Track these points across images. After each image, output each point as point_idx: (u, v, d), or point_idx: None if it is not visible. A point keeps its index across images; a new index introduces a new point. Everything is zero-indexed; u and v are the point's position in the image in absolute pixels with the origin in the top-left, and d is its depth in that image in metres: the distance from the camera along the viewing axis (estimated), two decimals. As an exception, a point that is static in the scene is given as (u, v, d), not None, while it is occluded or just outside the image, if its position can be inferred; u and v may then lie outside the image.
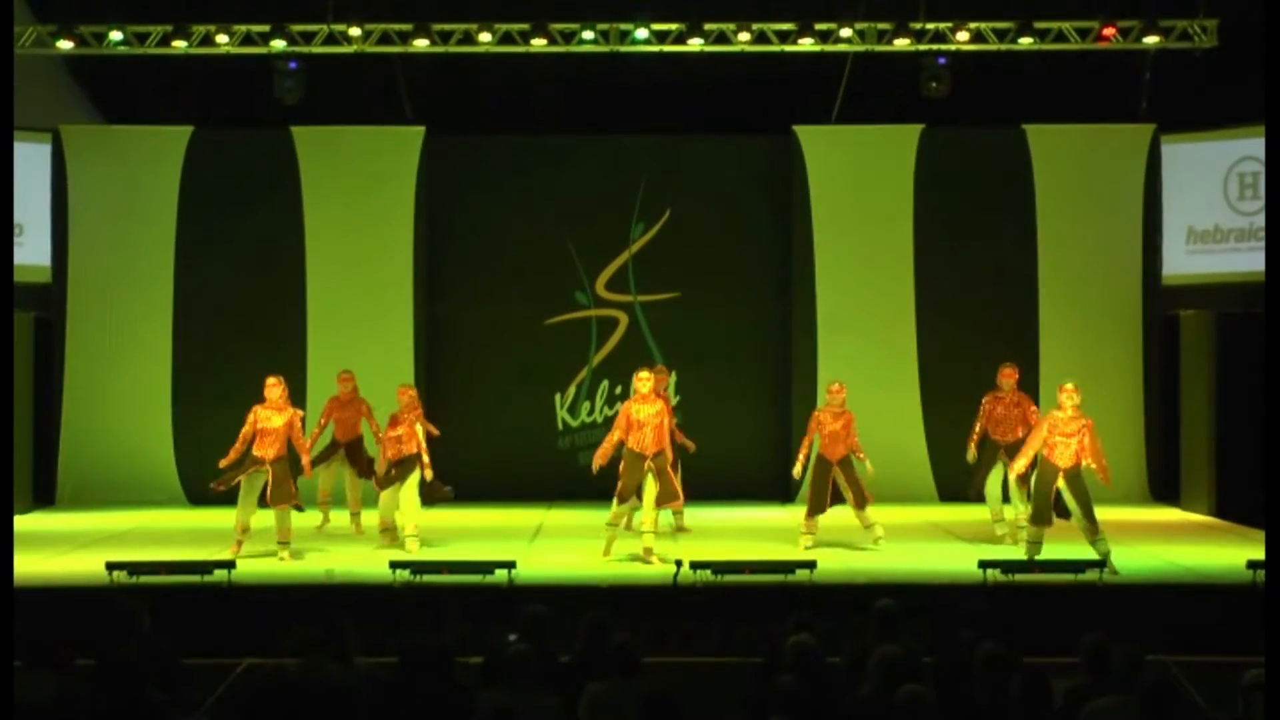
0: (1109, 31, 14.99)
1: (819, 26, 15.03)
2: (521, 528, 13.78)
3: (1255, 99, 12.21)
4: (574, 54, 15.23)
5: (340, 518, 13.65)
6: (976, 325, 15.86)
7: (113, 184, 15.96)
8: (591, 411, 16.16)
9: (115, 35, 14.90)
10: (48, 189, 15.82)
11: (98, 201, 15.92)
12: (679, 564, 10.45)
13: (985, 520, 13.04)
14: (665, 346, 16.23)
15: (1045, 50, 15.22)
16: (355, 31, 14.98)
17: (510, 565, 10.52)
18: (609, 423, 12.42)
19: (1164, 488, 15.80)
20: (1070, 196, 16.10)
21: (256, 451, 11.86)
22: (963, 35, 14.97)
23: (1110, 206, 16.15)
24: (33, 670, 6.47)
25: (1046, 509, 11.32)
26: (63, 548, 12.56)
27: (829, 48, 15.23)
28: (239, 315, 15.88)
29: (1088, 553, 11.19)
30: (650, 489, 11.64)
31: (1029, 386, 13.15)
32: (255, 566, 11.27)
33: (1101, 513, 13.65)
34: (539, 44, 15.03)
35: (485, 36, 14.98)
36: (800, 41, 15.10)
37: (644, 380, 11.85)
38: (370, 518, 13.16)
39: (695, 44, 15.07)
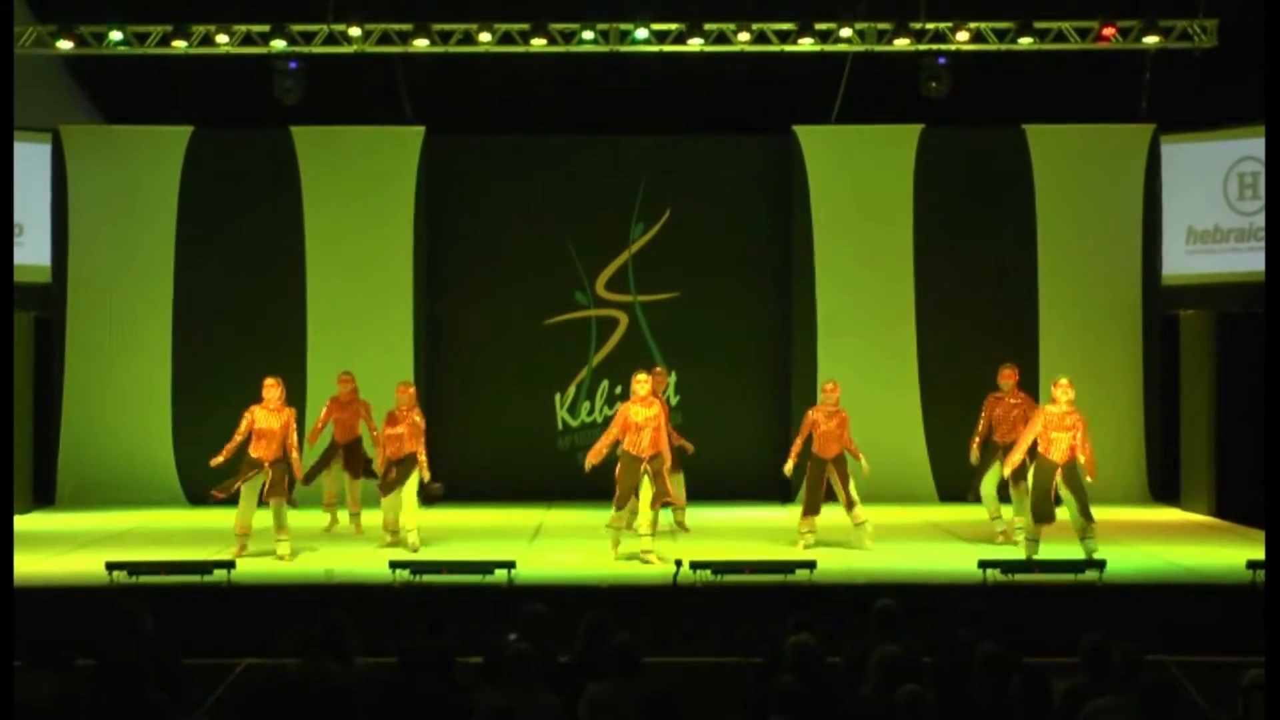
0: (1109, 31, 14.99)
1: (819, 26, 15.03)
2: (521, 528, 13.78)
3: (1255, 99, 12.21)
4: (574, 54, 15.23)
5: (341, 517, 13.66)
6: (976, 325, 15.86)
7: (113, 184, 15.96)
8: (591, 411, 16.16)
9: (115, 35, 14.90)
10: (48, 189, 15.82)
11: (98, 201, 15.92)
12: (679, 564, 10.45)
13: (985, 520, 13.05)
14: (665, 346, 16.24)
15: (1045, 50, 15.22)
16: (355, 31, 14.98)
17: (510, 565, 10.52)
18: (609, 423, 12.43)
19: (1164, 488, 15.80)
20: (1070, 196, 16.10)
21: (254, 453, 11.89)
22: (963, 35, 14.97)
23: (1110, 206, 16.15)
24: (33, 670, 6.47)
25: (1047, 505, 11.36)
26: (63, 548, 12.56)
27: (829, 48, 15.23)
28: (239, 315, 15.88)
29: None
30: (646, 490, 11.66)
31: (1029, 386, 13.16)
32: (255, 566, 11.28)
33: (1101, 513, 13.71)
34: (539, 44, 15.03)
35: (485, 36, 14.98)
36: (800, 41, 15.10)
37: (642, 383, 11.87)
38: (370, 518, 13.18)
39: (695, 44, 15.07)
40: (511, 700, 6.07)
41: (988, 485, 12.78)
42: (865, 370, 15.73)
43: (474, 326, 16.29)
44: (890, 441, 15.48)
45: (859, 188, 16.14)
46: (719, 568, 10.49)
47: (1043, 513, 11.37)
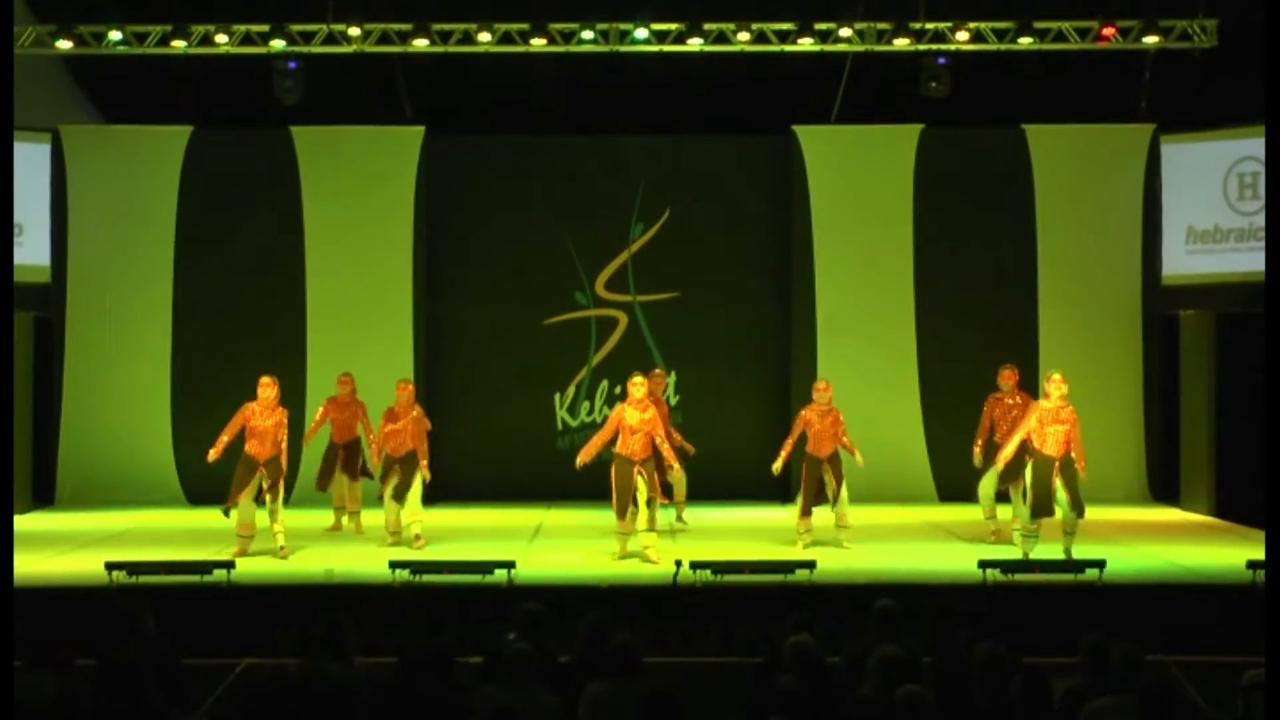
0: (1109, 31, 14.99)
1: (819, 26, 15.02)
2: (521, 528, 13.79)
3: (1255, 99, 12.21)
4: (574, 54, 15.23)
5: (344, 520, 13.69)
6: (976, 325, 15.86)
7: (112, 184, 15.96)
8: (591, 411, 16.16)
9: (115, 35, 14.90)
10: (47, 189, 15.81)
11: (97, 201, 15.92)
12: (679, 564, 10.45)
13: (982, 520, 13.05)
14: (665, 346, 16.24)
15: (1045, 50, 15.21)
16: (355, 31, 14.98)
17: (510, 565, 10.53)
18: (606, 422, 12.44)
19: (1164, 488, 15.80)
20: (1070, 196, 16.10)
21: (249, 450, 11.96)
22: (962, 35, 14.96)
23: (1110, 206, 16.16)
24: (33, 670, 6.47)
25: (1047, 501, 11.41)
26: (62, 548, 12.56)
27: (829, 48, 15.23)
28: (239, 315, 15.88)
29: (1087, 552, 11.22)
30: (642, 490, 11.73)
31: (1029, 386, 13.15)
32: (255, 566, 11.28)
33: (1101, 513, 13.77)
34: (539, 44, 15.02)
35: (485, 36, 14.97)
36: (800, 41, 15.10)
37: (637, 386, 11.92)
38: (371, 518, 13.19)
39: (695, 44, 15.07)
40: (511, 697, 6.07)
41: (985, 485, 12.80)
42: (865, 370, 15.75)
43: (474, 326, 16.29)
44: (890, 441, 15.50)
45: (859, 188, 16.14)
46: (719, 568, 10.49)
47: (1042, 508, 11.40)
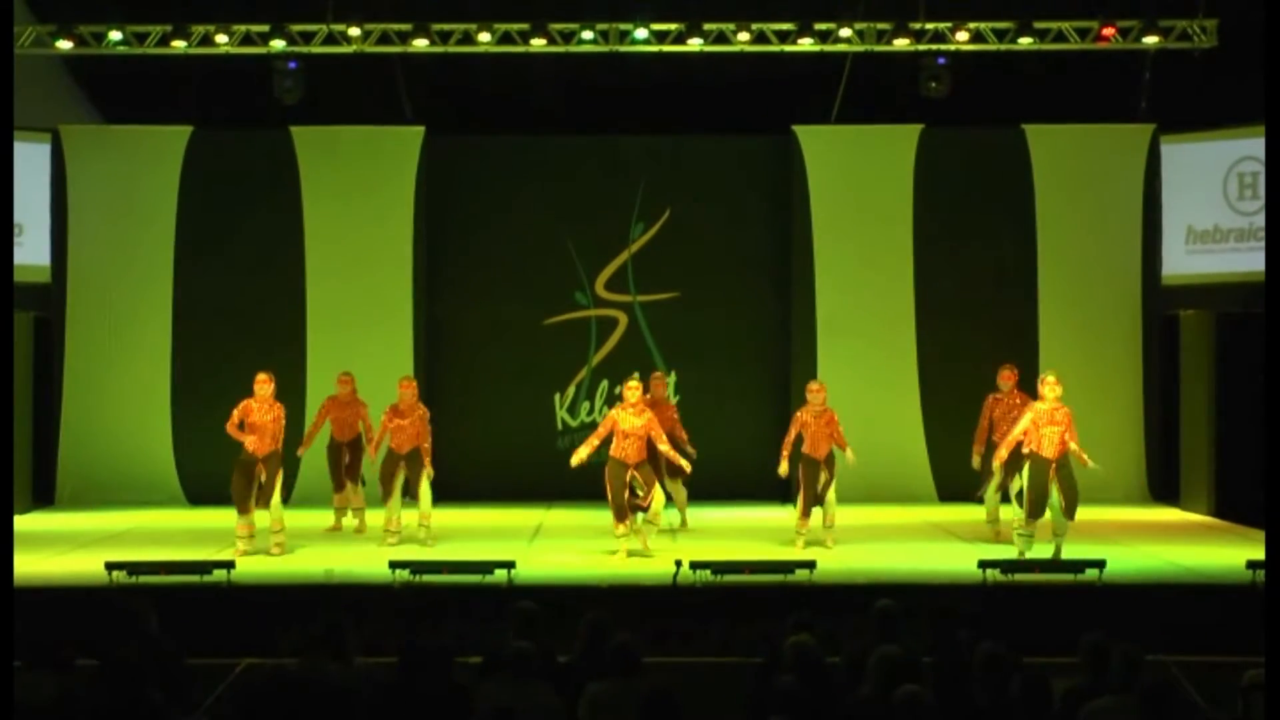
0: (1108, 31, 14.99)
1: (819, 26, 15.02)
2: (521, 528, 13.79)
3: (1255, 99, 12.21)
4: (573, 54, 15.22)
5: (345, 523, 13.69)
6: (976, 325, 15.86)
7: (112, 184, 15.96)
8: (591, 411, 16.16)
9: (114, 35, 14.90)
10: (47, 189, 15.81)
11: (97, 201, 15.92)
12: (679, 564, 10.45)
13: (983, 520, 13.06)
14: (665, 346, 16.24)
15: (1045, 50, 15.21)
16: (355, 31, 14.97)
17: (510, 565, 10.52)
18: (606, 423, 12.47)
19: (1164, 488, 15.80)
20: (1070, 196, 16.09)
21: (248, 446, 11.97)
22: (962, 35, 14.96)
23: (1110, 206, 16.15)
24: (33, 670, 6.47)
25: (1042, 502, 11.45)
26: (62, 548, 12.56)
27: (829, 48, 15.23)
28: (239, 315, 15.87)
29: (1086, 553, 11.22)
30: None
31: (1029, 386, 13.15)
32: (255, 566, 11.28)
33: (1101, 513, 13.80)
34: (538, 44, 15.02)
35: (485, 36, 14.97)
36: (800, 41, 15.09)
37: (633, 389, 11.97)
38: (371, 517, 13.20)
39: (695, 44, 15.06)
40: (511, 695, 6.08)
41: (990, 500, 12.84)
42: (865, 370, 15.76)
43: (474, 326, 16.29)
44: (890, 441, 15.51)
45: (859, 188, 16.14)
46: (719, 568, 10.49)
47: (1038, 508, 11.44)
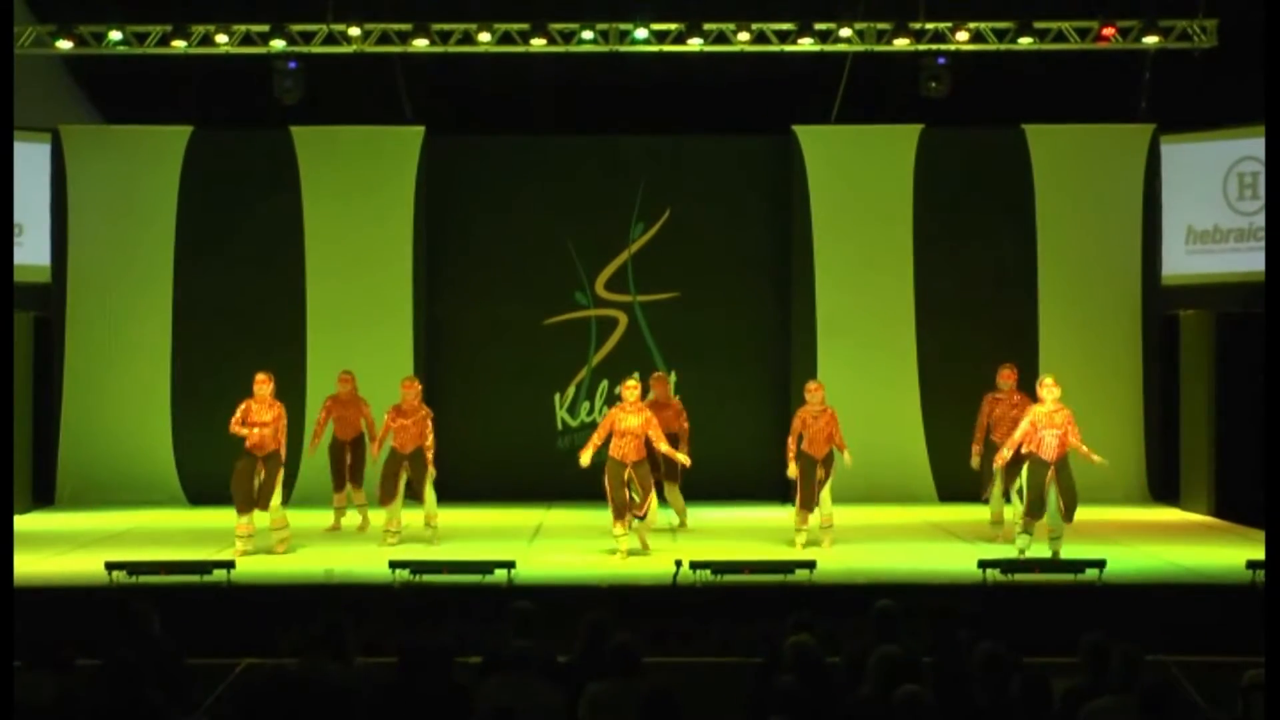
0: (1108, 31, 14.99)
1: (819, 26, 15.02)
2: (521, 528, 13.79)
3: (1255, 99, 12.21)
4: (573, 54, 15.22)
5: (345, 523, 13.69)
6: (976, 325, 15.85)
7: (112, 184, 15.96)
8: (591, 411, 16.16)
9: (114, 35, 14.90)
10: (47, 189, 15.81)
11: (97, 201, 15.92)
12: (679, 564, 10.45)
13: (985, 520, 13.06)
14: (665, 347, 16.24)
15: (1045, 50, 15.21)
16: (355, 31, 14.98)
17: (510, 565, 10.52)
18: (606, 423, 12.49)
19: (1164, 488, 15.80)
20: (1070, 196, 16.10)
21: (249, 447, 11.98)
22: (962, 35, 14.96)
23: (1110, 206, 16.15)
24: (33, 670, 6.47)
25: (1040, 503, 11.49)
26: (62, 548, 12.56)
27: (829, 48, 15.23)
28: (239, 315, 15.87)
29: (1086, 553, 11.22)
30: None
31: (1029, 386, 13.15)
32: (255, 566, 11.28)
33: (1101, 513, 13.80)
34: (538, 44, 15.02)
35: (485, 36, 14.97)
36: (800, 41, 15.09)
37: (631, 389, 12.03)
38: (375, 516, 13.21)
39: (695, 44, 15.07)
40: (511, 693, 6.08)
41: (994, 504, 12.84)
42: (865, 370, 15.76)
43: (474, 326, 16.29)
44: (890, 441, 15.52)
45: (859, 188, 16.14)
46: (719, 568, 10.49)
47: (1036, 508, 11.48)
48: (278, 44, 14.89)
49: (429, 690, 6.10)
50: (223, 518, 12.83)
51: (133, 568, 10.46)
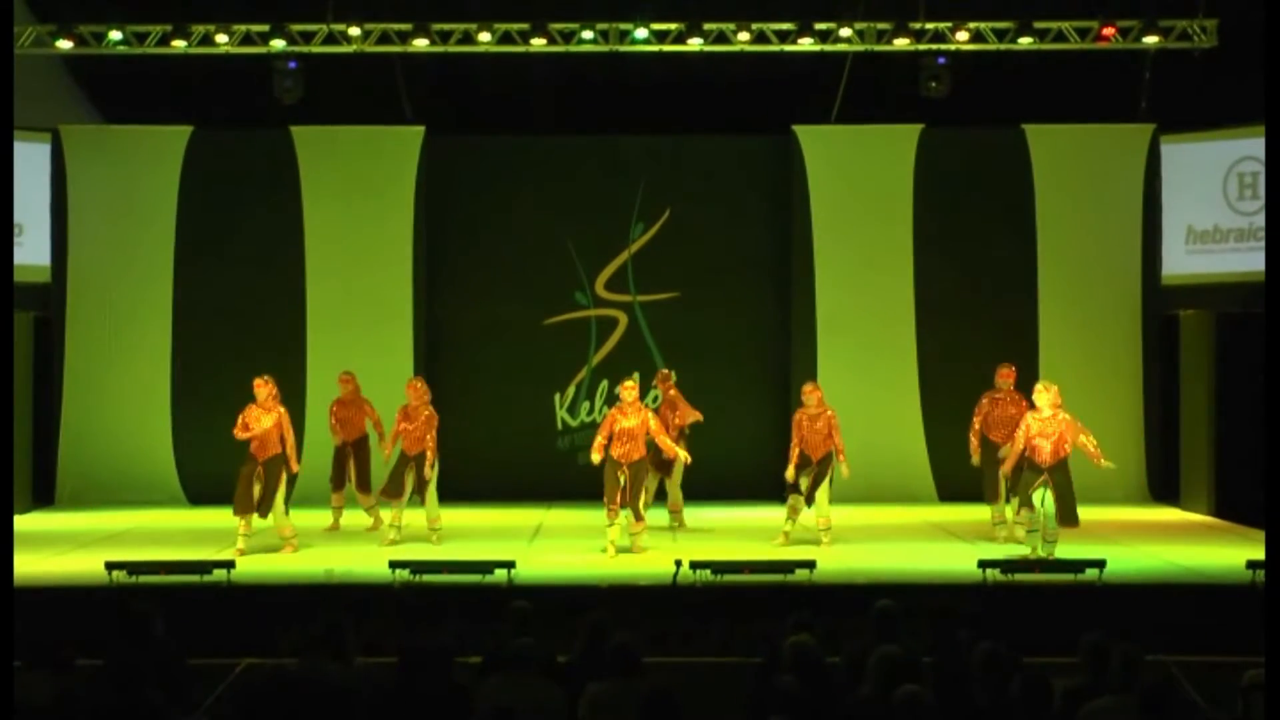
0: (1109, 31, 14.99)
1: (819, 26, 15.02)
2: (521, 528, 13.79)
3: (1255, 99, 12.21)
4: (573, 54, 15.22)
5: (343, 522, 13.69)
6: (976, 325, 15.85)
7: (112, 184, 15.96)
8: (591, 411, 16.16)
9: (115, 35, 14.90)
10: (47, 189, 15.82)
11: (97, 201, 15.92)
12: (679, 564, 10.45)
13: (985, 520, 13.06)
14: (665, 347, 16.24)
15: (1045, 50, 15.21)
16: (355, 31, 14.98)
17: (510, 565, 10.52)
18: (607, 423, 12.51)
19: (1164, 488, 15.80)
20: (1070, 196, 16.10)
21: (252, 451, 11.98)
22: (962, 35, 14.96)
23: (1110, 206, 16.16)
24: (33, 670, 6.47)
25: (1028, 503, 11.57)
26: (62, 548, 12.56)
27: (829, 48, 15.23)
28: (239, 315, 15.88)
29: (1086, 553, 11.22)
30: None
31: (1028, 386, 13.15)
32: (255, 566, 11.28)
33: (1101, 513, 13.78)
34: (538, 44, 15.02)
35: (485, 36, 14.97)
36: (800, 41, 15.10)
37: (629, 389, 12.07)
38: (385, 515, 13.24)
39: (695, 44, 15.07)
40: (511, 691, 6.08)
41: (1001, 501, 12.85)
42: (865, 370, 15.77)
43: (474, 326, 16.29)
44: (890, 441, 15.52)
45: (859, 188, 16.14)
46: (719, 568, 10.49)
47: (1028, 503, 11.59)
48: (278, 44, 14.89)
49: (429, 690, 6.10)
50: (223, 518, 12.83)
51: (133, 568, 10.47)
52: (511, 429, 16.17)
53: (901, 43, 15.02)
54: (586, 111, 16.28)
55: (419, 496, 12.51)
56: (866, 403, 15.31)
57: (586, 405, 16.24)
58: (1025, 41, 15.03)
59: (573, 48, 15.14)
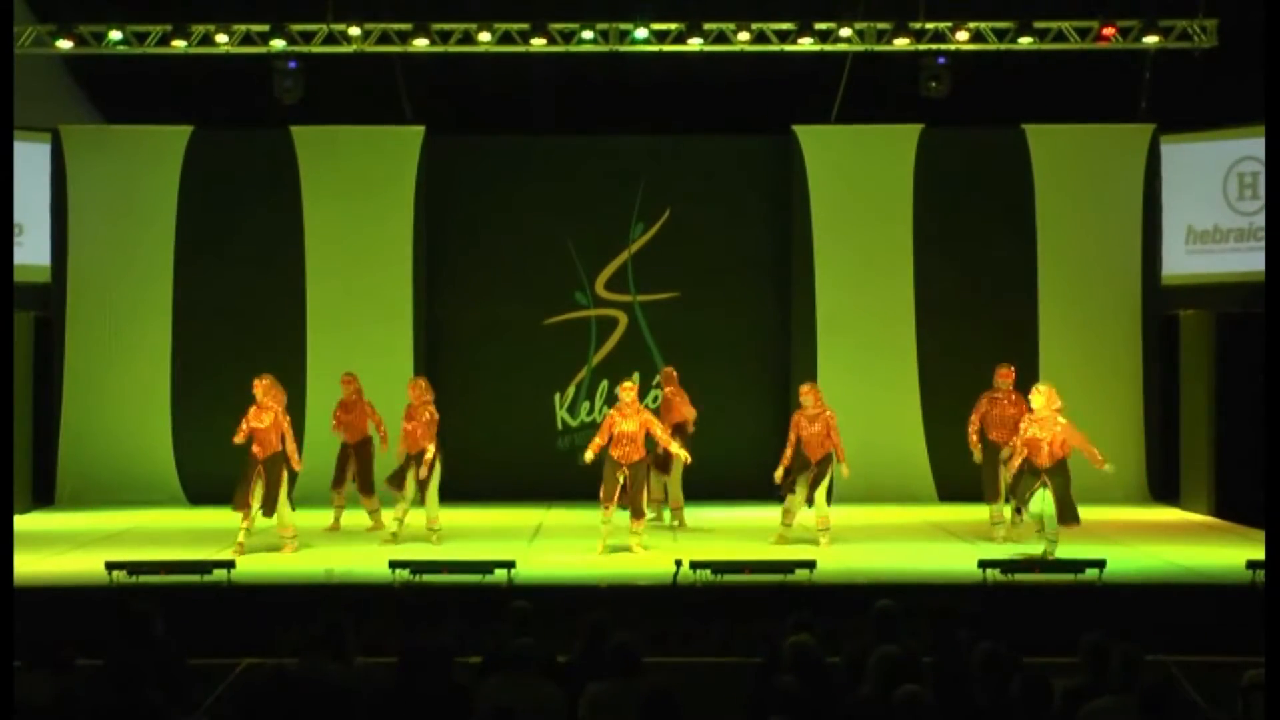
0: (1109, 31, 14.99)
1: (819, 26, 15.02)
2: (521, 528, 13.79)
3: (1255, 99, 12.20)
4: (573, 54, 15.22)
5: (343, 522, 13.70)
6: (976, 325, 15.85)
7: (112, 184, 15.96)
8: (591, 411, 16.16)
9: (115, 35, 14.90)
10: (47, 189, 15.82)
11: (97, 201, 15.92)
12: (679, 564, 10.45)
13: (985, 520, 13.06)
14: (665, 347, 16.24)
15: (1045, 50, 15.21)
16: (355, 31, 14.98)
17: (510, 565, 10.53)
18: (607, 423, 12.52)
19: (1164, 488, 15.80)
20: (1070, 196, 16.10)
21: (253, 451, 11.99)
22: (962, 35, 14.96)
23: (1110, 206, 16.16)
24: (33, 670, 6.47)
25: (1024, 503, 11.62)
26: (62, 548, 12.56)
27: (829, 48, 15.23)
28: (239, 315, 15.88)
29: (1086, 553, 11.23)
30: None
31: (1028, 386, 13.15)
32: (255, 566, 11.27)
33: (1102, 513, 13.79)
34: (538, 44, 15.02)
35: (485, 36, 14.97)
36: (800, 41, 15.10)
37: (627, 390, 12.12)
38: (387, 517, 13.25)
39: (695, 44, 15.07)
40: (512, 697, 6.07)
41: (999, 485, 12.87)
42: (865, 370, 15.77)
43: (474, 326, 16.29)
44: (890, 441, 15.52)
45: (859, 188, 16.14)
46: (719, 568, 10.49)
47: (1022, 500, 11.67)
48: (278, 44, 14.89)
49: (429, 690, 6.11)
50: (223, 518, 12.84)
51: (133, 568, 10.47)
52: (511, 429, 16.18)
53: (901, 43, 15.02)
54: (586, 111, 16.27)
55: (419, 496, 12.52)
56: (866, 403, 15.31)
57: (586, 405, 16.24)
58: (1025, 41, 15.03)
59: (573, 48, 15.14)
